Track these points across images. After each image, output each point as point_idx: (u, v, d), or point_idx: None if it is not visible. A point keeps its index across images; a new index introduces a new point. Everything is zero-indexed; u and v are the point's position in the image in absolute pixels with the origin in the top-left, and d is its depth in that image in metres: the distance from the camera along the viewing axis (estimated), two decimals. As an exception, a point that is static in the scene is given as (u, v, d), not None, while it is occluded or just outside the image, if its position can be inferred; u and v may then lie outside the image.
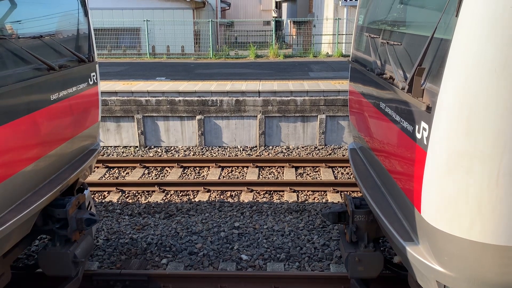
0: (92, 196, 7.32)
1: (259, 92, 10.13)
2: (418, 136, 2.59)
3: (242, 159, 8.95)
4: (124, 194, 7.62)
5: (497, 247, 2.24)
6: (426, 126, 2.45)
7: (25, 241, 3.99)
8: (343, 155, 9.44)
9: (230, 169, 8.74)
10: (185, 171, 8.68)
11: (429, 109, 2.40)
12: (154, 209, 6.87)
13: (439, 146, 2.32)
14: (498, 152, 2.11)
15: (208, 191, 7.66)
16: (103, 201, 7.34)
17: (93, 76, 4.53)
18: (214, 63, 16.44)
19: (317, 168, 8.72)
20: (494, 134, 2.10)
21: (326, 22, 20.72)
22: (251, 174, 8.44)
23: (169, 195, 7.54)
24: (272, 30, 19.64)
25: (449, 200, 2.31)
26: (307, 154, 9.57)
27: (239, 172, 8.60)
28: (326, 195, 7.46)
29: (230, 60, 17.57)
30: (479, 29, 2.07)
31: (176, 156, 9.58)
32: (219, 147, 10.14)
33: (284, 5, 38.33)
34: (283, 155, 9.51)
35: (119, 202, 7.27)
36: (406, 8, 3.24)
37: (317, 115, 9.91)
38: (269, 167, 8.81)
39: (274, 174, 8.52)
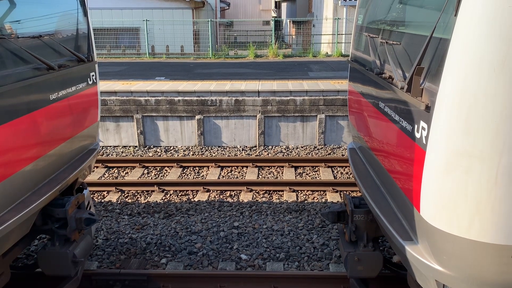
0: (91, 196, 7.32)
1: (258, 92, 10.13)
2: (417, 135, 2.59)
3: (242, 159, 8.95)
4: (123, 194, 7.62)
5: (496, 246, 2.25)
6: (425, 126, 2.45)
7: (25, 240, 3.99)
8: (342, 155, 9.44)
9: (229, 169, 8.74)
10: (184, 171, 8.68)
11: (428, 109, 2.41)
12: (153, 209, 6.87)
13: (438, 145, 2.32)
14: (497, 152, 2.11)
15: (208, 190, 7.66)
16: (102, 200, 7.34)
17: (93, 76, 4.53)
18: (214, 63, 16.44)
19: (316, 168, 8.73)
20: (493, 134, 2.10)
21: (326, 22, 20.72)
22: (251, 174, 8.45)
23: (168, 195, 7.54)
24: (271, 30, 19.64)
25: (448, 199, 2.32)
26: (306, 154, 9.57)
27: (239, 172, 8.61)
28: (325, 194, 7.46)
29: (229, 60, 17.57)
30: (478, 28, 2.07)
31: (176, 156, 9.58)
32: (219, 147, 10.14)
33: (284, 5, 38.34)
34: (283, 155, 9.52)
35: (119, 201, 7.27)
36: (405, 8, 3.24)
37: (317, 115, 9.91)
38: (268, 167, 8.81)
39: (273, 174, 8.53)
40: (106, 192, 7.71)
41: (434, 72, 2.42)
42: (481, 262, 2.35)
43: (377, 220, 3.40)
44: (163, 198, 7.43)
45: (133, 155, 9.68)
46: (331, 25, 19.30)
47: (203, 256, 5.35)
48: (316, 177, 8.32)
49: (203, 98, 9.95)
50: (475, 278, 2.44)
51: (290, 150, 9.80)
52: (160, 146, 10.21)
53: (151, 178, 8.39)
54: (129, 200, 7.38)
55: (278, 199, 7.33)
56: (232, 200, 7.29)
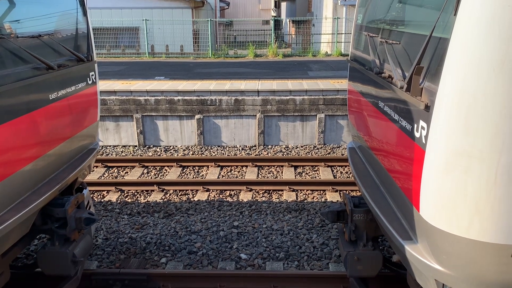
0: (91, 196, 7.32)
1: (258, 91, 10.13)
2: (417, 135, 2.59)
3: (241, 158, 8.95)
4: (123, 194, 7.62)
5: (495, 245, 2.25)
6: (425, 125, 2.45)
7: (24, 240, 3.99)
8: (342, 154, 9.44)
9: (229, 169, 8.74)
10: (184, 171, 8.68)
11: (428, 108, 2.41)
12: (153, 209, 6.87)
13: (437, 145, 2.32)
14: (496, 151, 2.11)
15: (207, 190, 7.66)
16: (102, 200, 7.34)
17: (92, 75, 4.52)
18: (213, 63, 16.44)
19: (316, 167, 8.73)
20: (492, 133, 2.10)
21: (325, 21, 20.71)
22: (250, 174, 8.45)
23: (168, 195, 7.54)
24: (271, 29, 19.63)
25: (448, 199, 2.32)
26: (306, 153, 9.57)
27: (238, 172, 8.61)
28: (325, 194, 7.46)
29: (229, 60, 17.57)
30: (477, 27, 2.07)
31: (175, 155, 9.57)
32: (218, 146, 10.14)
33: (283, 4, 38.31)
34: (282, 154, 9.52)
35: (118, 201, 7.27)
36: (405, 7, 3.24)
37: (316, 114, 9.91)
38: (268, 166, 8.81)
39: (273, 173, 8.53)
40: (105, 191, 7.71)
41: (433, 71, 2.42)
42: (480, 262, 2.35)
43: (376, 219, 3.40)
44: (163, 197, 7.43)
45: (132, 155, 9.68)
46: (331, 24, 19.30)
47: (203, 255, 5.36)
48: (315, 177, 8.32)
49: (202, 98, 9.95)
50: (475, 277, 2.44)
51: (289, 150, 9.80)
52: (160, 146, 10.21)
53: (151, 177, 8.39)
54: (129, 200, 7.38)
55: (277, 198, 7.33)
56: (231, 200, 7.29)
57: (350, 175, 8.31)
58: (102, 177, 8.39)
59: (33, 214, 3.39)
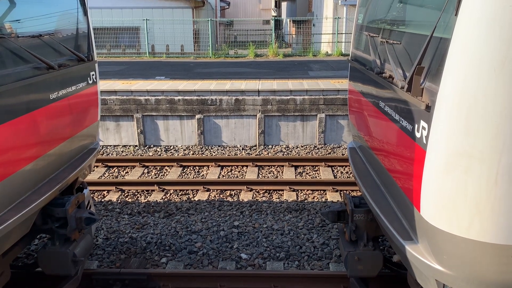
0: (91, 195, 7.32)
1: (258, 91, 10.13)
2: (418, 135, 2.59)
3: (242, 158, 8.95)
4: (123, 193, 7.62)
5: (496, 246, 2.25)
6: (425, 125, 2.45)
7: (25, 240, 3.99)
8: (342, 154, 9.44)
9: (229, 168, 8.74)
10: (184, 170, 8.68)
11: (429, 108, 2.40)
12: (153, 208, 6.87)
13: (438, 145, 2.32)
14: (497, 152, 2.11)
15: (208, 190, 7.66)
16: (102, 200, 7.34)
17: (93, 75, 4.52)
18: (214, 62, 16.44)
19: (316, 167, 8.73)
20: (492, 133, 2.10)
21: (326, 21, 20.71)
22: (251, 173, 8.45)
23: (168, 194, 7.54)
24: (271, 29, 19.63)
25: (448, 199, 2.32)
26: (306, 153, 9.57)
27: (239, 171, 8.61)
28: (325, 194, 7.46)
29: (229, 59, 17.57)
30: (478, 28, 2.07)
31: (176, 155, 9.58)
32: (219, 146, 10.14)
33: (284, 4, 38.32)
34: (283, 154, 9.52)
35: (119, 201, 7.27)
36: (406, 7, 3.24)
37: (317, 114, 9.91)
38: (268, 166, 8.81)
39: (273, 173, 8.53)
40: (106, 191, 7.71)
41: (434, 71, 2.42)
42: (481, 262, 2.35)
43: (377, 219, 3.40)
44: (163, 197, 7.43)
45: (133, 155, 9.68)
46: (331, 24, 19.30)
47: (203, 255, 5.36)
48: (316, 177, 8.32)
49: (203, 98, 9.95)
50: (475, 277, 2.44)
51: (290, 150, 9.80)
52: (160, 146, 10.21)
53: (151, 177, 8.39)
54: (129, 200, 7.38)
55: (278, 198, 7.33)
56: (232, 200, 7.29)
57: (351, 175, 8.31)
58: (103, 177, 8.39)
59: (33, 214, 3.39)
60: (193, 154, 9.68)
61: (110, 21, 19.73)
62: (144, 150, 9.93)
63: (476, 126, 2.14)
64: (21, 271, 4.66)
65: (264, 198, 7.33)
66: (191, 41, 20.43)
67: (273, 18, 21.15)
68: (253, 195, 7.44)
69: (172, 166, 8.84)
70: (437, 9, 2.51)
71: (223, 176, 8.42)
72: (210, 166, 8.81)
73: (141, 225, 6.20)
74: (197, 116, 9.96)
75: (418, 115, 2.58)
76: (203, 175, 8.48)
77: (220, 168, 8.74)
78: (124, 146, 10.23)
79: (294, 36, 24.73)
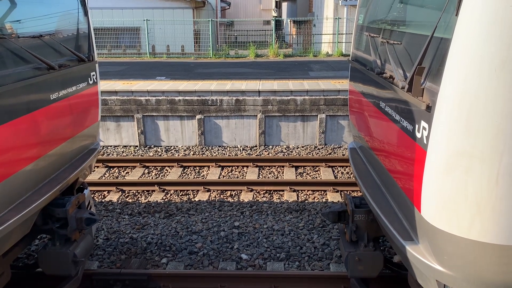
0: (92, 196, 7.32)
1: (259, 91, 10.13)
2: (418, 135, 2.58)
3: (242, 158, 8.95)
4: (124, 194, 7.62)
5: (496, 246, 2.24)
6: (426, 126, 2.45)
7: (25, 240, 3.99)
8: (343, 155, 9.44)
9: (230, 169, 8.74)
10: (185, 171, 8.69)
11: (429, 109, 2.40)
12: (154, 209, 6.87)
13: (439, 145, 2.32)
14: (498, 152, 2.11)
15: (208, 190, 7.66)
16: (103, 200, 7.34)
17: (93, 75, 4.53)
18: (214, 63, 16.44)
19: (317, 168, 8.72)
20: (493, 133, 2.10)
21: (326, 22, 20.71)
22: (251, 174, 8.44)
23: (169, 195, 7.54)
24: (272, 30, 19.63)
25: (449, 199, 2.31)
26: (307, 154, 9.57)
27: (239, 172, 8.60)
28: (326, 194, 7.46)
29: (230, 60, 17.57)
30: (479, 28, 2.07)
31: (176, 155, 9.58)
32: (219, 146, 10.14)
33: (284, 5, 38.31)
34: (283, 155, 9.52)
35: (119, 201, 7.27)
36: (406, 7, 3.24)
37: (317, 115, 9.91)
38: (269, 166, 8.81)
39: (274, 173, 8.52)
40: (106, 191, 7.71)
41: (435, 72, 2.41)
42: (481, 262, 2.34)
43: (377, 220, 3.40)
44: (164, 198, 7.43)
45: (133, 155, 9.68)
46: (332, 24, 19.29)
47: (204, 256, 5.35)
48: (316, 177, 8.31)
49: (203, 98, 9.95)
50: (476, 278, 2.43)
51: (290, 150, 9.80)
52: (161, 146, 10.21)
53: (152, 178, 8.39)
54: (130, 200, 7.38)
55: (278, 199, 7.33)
56: (232, 200, 7.29)
57: (351, 176, 8.30)
58: (103, 177, 8.40)
59: (34, 214, 3.39)
60: (193, 154, 9.68)
61: (110, 22, 19.75)
62: (144, 151, 9.93)
63: (476, 126, 2.14)
64: (21, 272, 4.66)
65: (264, 199, 7.33)
66: (191, 42, 20.45)
67: (273, 18, 21.16)
68: (253, 196, 7.44)
69: (173, 166, 8.84)
70: (438, 9, 2.51)
71: (223, 176, 8.42)
72: (210, 166, 8.81)
73: (141, 225, 6.20)
74: (198, 117, 9.96)
75: (419, 116, 2.58)
76: (203, 175, 8.48)
77: (220, 168, 8.74)
78: (125, 146, 10.23)
79: (294, 36, 24.73)
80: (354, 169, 4.27)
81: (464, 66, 2.14)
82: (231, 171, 8.64)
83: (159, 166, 8.87)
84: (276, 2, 43.03)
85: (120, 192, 7.67)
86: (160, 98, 9.96)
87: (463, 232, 2.30)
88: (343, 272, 4.80)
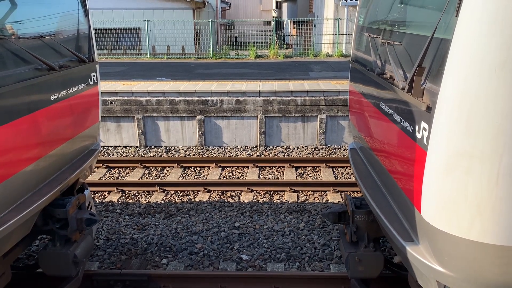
0: (92, 196, 7.32)
1: (259, 92, 10.13)
2: (418, 136, 2.59)
3: (243, 159, 8.95)
4: (124, 194, 7.62)
5: (497, 247, 2.24)
6: (426, 126, 2.45)
7: (25, 241, 3.99)
8: (343, 155, 9.44)
9: (230, 169, 8.74)
10: (185, 171, 8.69)
11: (429, 109, 2.40)
12: (154, 209, 6.87)
13: (439, 146, 2.32)
14: (498, 152, 2.11)
15: (209, 191, 7.66)
16: (103, 201, 7.34)
17: (93, 76, 4.53)
18: (214, 63, 16.45)
19: (317, 168, 8.72)
20: (493, 134, 2.10)
21: (327, 22, 20.72)
22: (251, 174, 8.44)
23: (169, 195, 7.54)
24: (272, 30, 19.64)
25: (449, 200, 2.31)
26: (307, 154, 9.57)
27: (239, 172, 8.60)
28: (326, 195, 7.46)
29: (230, 60, 17.58)
30: (479, 29, 2.07)
31: (177, 156, 9.58)
32: (219, 147, 10.14)
33: (284, 5, 38.35)
34: (284, 155, 9.51)
35: (119, 202, 7.28)
36: (406, 8, 3.24)
37: (318, 115, 9.91)
38: (269, 167, 8.81)
39: (274, 174, 8.52)
40: (107, 192, 7.71)
41: (435, 72, 2.42)
42: (482, 263, 2.34)
43: (378, 220, 3.40)
44: (164, 198, 7.43)
45: (134, 156, 9.69)
46: (332, 25, 19.31)
47: (204, 256, 5.35)
48: (317, 178, 8.31)
49: (204, 99, 9.96)
50: (476, 278, 2.43)
51: (291, 151, 9.80)
52: (161, 147, 10.21)
53: (152, 178, 8.39)
54: (130, 201, 7.39)
55: (279, 199, 7.33)
56: (233, 201, 7.29)
57: (351, 176, 8.30)
58: (103, 178, 8.40)
59: (34, 214, 3.39)
60: (194, 155, 9.68)
61: (111, 22, 19.78)
62: (145, 151, 9.93)
63: (477, 127, 2.14)
64: (22, 272, 4.66)
65: (265, 199, 7.33)
66: (192, 42, 20.46)
67: (273, 19, 21.16)
68: (253, 196, 7.44)
69: (173, 167, 8.84)
70: (438, 10, 2.51)
71: (223, 177, 8.42)
72: (211, 167, 8.81)
73: (141, 226, 6.20)
74: (198, 117, 9.97)
75: (419, 116, 2.58)
76: (203, 176, 8.48)
77: (221, 169, 8.74)
78: (125, 147, 10.23)
79: (295, 37, 24.74)
80: (355, 169, 4.27)
81: (464, 67, 2.14)
82: (232, 172, 8.64)
83: (160, 166, 8.88)
84: (277, 2, 43.06)
85: (121, 192, 7.67)
86: (160, 98, 9.96)
87: (463, 232, 2.30)
88: (343, 272, 4.80)
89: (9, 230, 3.04)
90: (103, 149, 10.10)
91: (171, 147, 10.18)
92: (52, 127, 3.69)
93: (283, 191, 7.62)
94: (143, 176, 8.46)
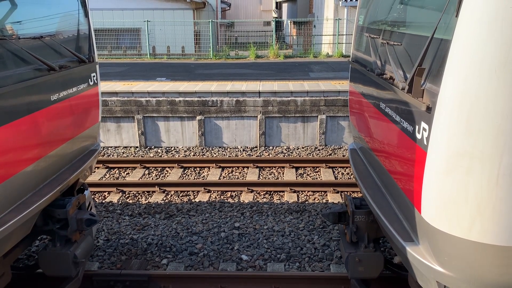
0: (92, 197, 7.32)
1: (259, 92, 10.13)
2: (418, 136, 2.59)
3: (243, 159, 8.95)
4: (124, 195, 7.62)
5: (497, 247, 2.24)
6: (426, 127, 2.45)
7: (26, 241, 3.99)
8: (343, 156, 9.44)
9: (230, 170, 8.74)
10: (185, 172, 8.69)
11: (429, 110, 2.40)
12: (154, 210, 6.87)
13: (439, 146, 2.32)
14: (498, 152, 2.11)
15: (209, 191, 7.66)
16: (103, 201, 7.34)
17: (94, 76, 4.53)
18: (215, 64, 16.45)
19: (317, 169, 8.72)
20: (494, 134, 2.10)
21: (326, 23, 20.72)
22: (252, 175, 8.44)
23: (169, 196, 7.54)
24: (272, 31, 19.65)
25: (449, 200, 2.31)
26: (307, 155, 9.57)
27: (240, 173, 8.60)
28: (326, 195, 7.46)
29: (230, 61, 17.58)
30: (479, 29, 2.07)
31: (177, 156, 9.58)
32: (220, 147, 10.14)
33: (284, 6, 38.35)
34: (284, 156, 9.51)
35: (120, 202, 7.28)
36: (406, 9, 3.24)
37: (317, 116, 9.91)
38: (269, 167, 8.81)
39: (274, 174, 8.52)
40: (107, 192, 7.71)
41: (435, 73, 2.42)
42: (482, 263, 2.34)
43: (378, 221, 3.40)
44: (164, 198, 7.43)
45: (134, 156, 9.69)
46: (332, 25, 19.31)
47: (204, 256, 5.35)
48: (317, 178, 8.31)
49: (204, 99, 9.96)
50: (476, 279, 2.43)
51: (291, 151, 9.80)
52: (161, 147, 10.21)
53: (152, 178, 8.39)
54: (130, 201, 7.39)
55: (279, 199, 7.33)
56: (233, 201, 7.29)
57: (351, 176, 8.30)
58: (103, 178, 8.40)
59: (34, 215, 3.39)
60: (194, 155, 9.68)
61: (111, 23, 19.78)
62: (145, 151, 9.93)
63: (477, 127, 2.14)
64: (22, 272, 4.66)
65: (265, 200, 7.33)
66: (192, 43, 20.47)
67: (273, 19, 21.17)
68: (253, 196, 7.44)
69: (173, 167, 8.84)
70: (438, 10, 2.51)
71: (223, 177, 8.42)
72: (211, 167, 8.81)
73: (141, 226, 6.20)
74: (198, 117, 9.97)
75: (419, 116, 2.58)
76: (203, 176, 8.48)
77: (221, 169, 8.74)
78: (125, 147, 10.23)
79: (294, 37, 24.75)
80: (355, 170, 4.27)
81: (464, 67, 2.14)
82: (232, 172, 8.64)
83: (160, 167, 8.88)
84: (276, 3, 43.07)
85: (121, 193, 7.67)
86: (160, 99, 9.96)
87: (464, 233, 2.30)
88: (343, 273, 4.80)
89: (9, 230, 3.04)
90: (103, 149, 10.10)
91: (171, 147, 10.18)
92: (52, 128, 3.69)
93: (283, 191, 7.62)
94: (143, 177, 8.46)
